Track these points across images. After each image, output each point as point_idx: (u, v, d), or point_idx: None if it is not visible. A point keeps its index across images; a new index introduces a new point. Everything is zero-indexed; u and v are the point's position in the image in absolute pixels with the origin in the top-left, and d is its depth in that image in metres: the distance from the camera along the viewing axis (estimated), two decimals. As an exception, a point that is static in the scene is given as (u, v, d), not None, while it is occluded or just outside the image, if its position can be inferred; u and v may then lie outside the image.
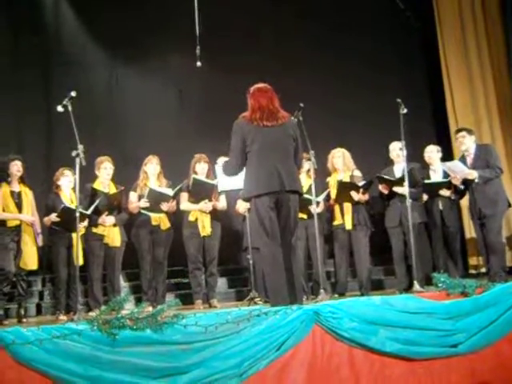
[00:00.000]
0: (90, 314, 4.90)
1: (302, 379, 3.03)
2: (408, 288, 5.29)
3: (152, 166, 5.57)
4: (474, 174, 5.32)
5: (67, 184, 5.32)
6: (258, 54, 7.44)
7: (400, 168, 5.44)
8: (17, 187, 5.14)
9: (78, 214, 4.12)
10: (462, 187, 5.54)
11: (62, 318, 5.03)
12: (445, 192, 5.62)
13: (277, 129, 3.82)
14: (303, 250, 5.45)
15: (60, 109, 4.13)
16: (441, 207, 5.64)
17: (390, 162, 5.78)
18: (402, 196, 5.28)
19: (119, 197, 5.40)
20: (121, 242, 5.39)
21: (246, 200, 3.99)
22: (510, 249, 6.98)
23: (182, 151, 6.33)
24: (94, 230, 5.28)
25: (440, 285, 3.64)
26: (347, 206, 5.55)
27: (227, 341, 2.96)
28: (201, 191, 5.45)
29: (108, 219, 5.30)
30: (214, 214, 5.55)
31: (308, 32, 7.86)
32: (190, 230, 5.48)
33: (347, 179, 5.60)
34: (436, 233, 5.69)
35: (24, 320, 5.05)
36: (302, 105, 4.52)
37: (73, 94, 4.14)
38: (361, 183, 5.53)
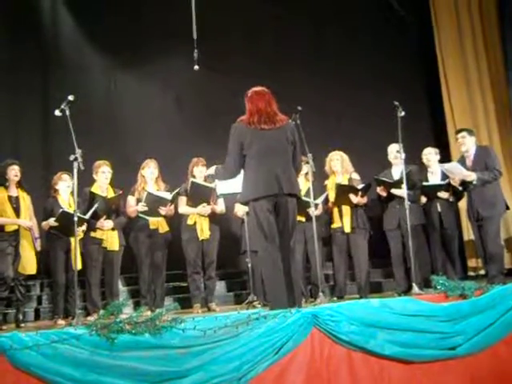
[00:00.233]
0: (89, 318, 4.89)
1: (300, 382, 3.02)
2: (407, 290, 5.29)
3: (150, 170, 5.56)
4: (472, 176, 5.32)
5: (65, 188, 5.31)
6: (255, 58, 7.46)
7: (398, 170, 5.45)
8: (14, 192, 5.13)
9: (76, 219, 4.13)
10: (461, 188, 5.54)
11: (61, 322, 5.03)
12: (443, 194, 5.62)
13: (275, 132, 3.82)
14: (302, 252, 5.44)
15: (58, 113, 4.13)
16: (439, 209, 5.65)
17: (389, 165, 5.79)
18: (400, 198, 5.29)
19: (117, 201, 5.40)
20: (119, 246, 5.38)
21: (245, 203, 3.98)
22: (508, 251, 6.98)
23: (179, 155, 6.33)
24: (93, 234, 5.27)
25: (439, 287, 3.65)
26: (346, 209, 5.55)
27: (226, 345, 2.95)
28: (199, 195, 5.45)
29: (106, 223, 5.29)
30: (213, 218, 5.55)
31: (306, 36, 7.89)
32: (188, 233, 5.48)
33: (345, 182, 5.61)
34: (434, 235, 5.69)
35: (22, 325, 5.03)
36: (299, 108, 4.53)
37: (70, 98, 4.13)
38: (359, 186, 5.53)
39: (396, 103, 4.90)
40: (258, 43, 7.68)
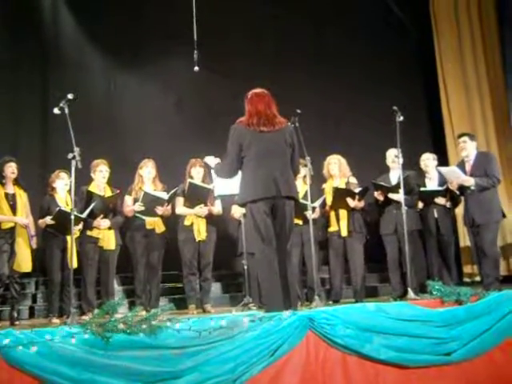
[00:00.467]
0: (84, 317, 4.86)
1: (295, 385, 3.02)
2: (402, 295, 5.30)
3: (147, 170, 5.56)
4: (470, 181, 5.28)
5: (63, 186, 5.30)
6: (255, 60, 7.47)
7: (396, 175, 5.45)
8: (11, 189, 5.12)
9: (72, 217, 4.11)
10: (458, 193, 5.53)
11: (55, 321, 5.01)
12: (440, 200, 5.62)
13: (273, 134, 3.82)
14: (298, 256, 5.44)
15: (56, 111, 4.12)
16: (436, 215, 5.64)
17: (387, 169, 5.79)
18: (398, 203, 5.29)
19: (115, 200, 5.39)
20: (115, 245, 5.37)
21: (242, 205, 3.98)
22: (504, 258, 6.99)
23: (178, 155, 6.32)
24: (89, 232, 5.26)
25: (435, 292, 3.64)
26: (343, 213, 5.56)
27: (221, 346, 2.94)
28: (196, 195, 5.44)
29: (103, 222, 5.28)
30: (210, 219, 5.54)
31: (306, 38, 7.90)
32: (185, 234, 5.47)
33: (343, 186, 5.61)
34: (431, 240, 5.69)
35: (17, 323, 5.00)
36: (298, 111, 4.53)
37: (70, 96, 4.12)
38: (357, 190, 5.53)
39: (395, 108, 4.91)
40: (258, 45, 7.70)
